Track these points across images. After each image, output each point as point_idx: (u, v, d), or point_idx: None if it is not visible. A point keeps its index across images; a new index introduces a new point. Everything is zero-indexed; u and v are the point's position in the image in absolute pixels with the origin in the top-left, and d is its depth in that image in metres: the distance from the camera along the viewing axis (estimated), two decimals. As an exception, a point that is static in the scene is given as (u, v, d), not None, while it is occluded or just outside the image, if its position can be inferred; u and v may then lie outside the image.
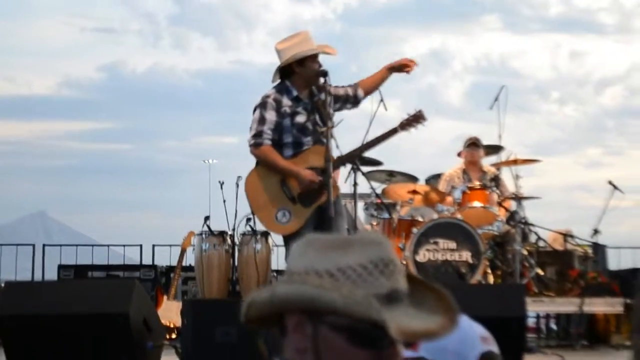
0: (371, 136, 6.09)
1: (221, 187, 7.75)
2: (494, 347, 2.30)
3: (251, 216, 6.58)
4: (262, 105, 5.91)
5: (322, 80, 5.71)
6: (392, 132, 6.05)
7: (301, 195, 5.86)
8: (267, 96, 5.92)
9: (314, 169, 5.82)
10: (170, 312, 8.08)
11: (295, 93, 5.92)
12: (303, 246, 1.60)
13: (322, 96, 5.73)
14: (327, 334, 1.51)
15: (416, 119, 5.93)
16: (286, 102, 5.90)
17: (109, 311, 5.22)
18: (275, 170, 5.91)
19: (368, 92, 6.20)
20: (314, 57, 5.84)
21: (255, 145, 5.90)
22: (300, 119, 5.91)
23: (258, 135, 5.88)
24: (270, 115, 5.88)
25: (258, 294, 1.57)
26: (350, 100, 6.15)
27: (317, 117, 5.85)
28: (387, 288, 1.53)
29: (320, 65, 5.81)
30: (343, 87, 6.14)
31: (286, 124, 5.89)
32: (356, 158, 6.00)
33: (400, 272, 1.58)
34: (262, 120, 5.88)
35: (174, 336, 7.39)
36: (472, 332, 2.30)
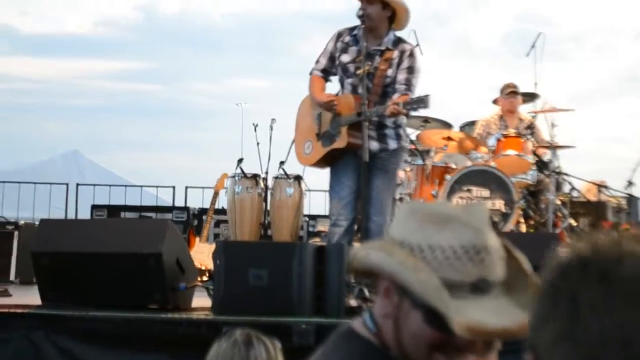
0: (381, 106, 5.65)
1: (255, 130, 7.72)
2: None
3: (284, 160, 6.58)
4: (333, 34, 6.04)
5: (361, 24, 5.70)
6: (395, 110, 5.53)
7: (325, 133, 5.90)
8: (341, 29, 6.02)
9: (340, 116, 5.80)
10: (202, 255, 8.13)
11: (356, 32, 5.88)
12: (407, 213, 1.65)
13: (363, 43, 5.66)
14: (408, 307, 1.57)
15: (419, 101, 5.57)
16: (347, 37, 5.95)
17: (142, 251, 5.24)
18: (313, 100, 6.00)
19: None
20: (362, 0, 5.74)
21: (310, 72, 6.05)
22: (345, 58, 5.91)
23: (315, 62, 6.05)
24: (329, 46, 6.01)
25: (359, 251, 1.66)
26: (390, 87, 5.84)
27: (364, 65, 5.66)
28: (473, 277, 1.55)
29: (362, 9, 5.70)
30: (402, 83, 5.78)
31: (337, 59, 5.95)
32: (365, 121, 5.65)
33: (494, 259, 1.58)
34: (324, 49, 6.03)
35: (205, 278, 7.43)
36: None
